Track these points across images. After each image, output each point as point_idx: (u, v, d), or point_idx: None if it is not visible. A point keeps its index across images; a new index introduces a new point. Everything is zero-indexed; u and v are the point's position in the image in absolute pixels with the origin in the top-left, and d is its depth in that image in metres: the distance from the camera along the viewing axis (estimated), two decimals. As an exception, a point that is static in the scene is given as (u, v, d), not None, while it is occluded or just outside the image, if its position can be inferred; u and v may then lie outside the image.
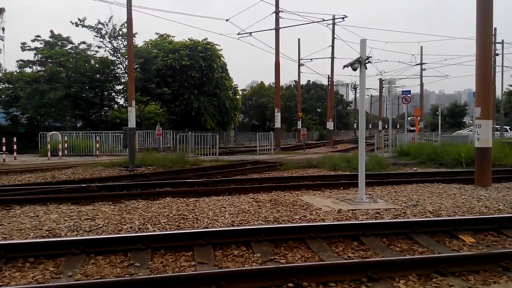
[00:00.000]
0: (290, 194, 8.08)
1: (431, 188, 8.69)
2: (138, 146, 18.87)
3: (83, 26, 24.36)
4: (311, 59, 39.61)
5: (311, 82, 65.85)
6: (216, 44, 31.98)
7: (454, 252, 4.63)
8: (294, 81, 59.92)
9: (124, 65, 24.52)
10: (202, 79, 30.23)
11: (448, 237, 5.15)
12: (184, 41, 31.33)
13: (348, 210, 6.46)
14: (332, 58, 34.14)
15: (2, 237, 5.01)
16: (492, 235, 5.29)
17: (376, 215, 6.17)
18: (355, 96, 66.08)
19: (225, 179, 10.57)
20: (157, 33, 32.72)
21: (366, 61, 7.40)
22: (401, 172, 11.84)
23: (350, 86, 66.90)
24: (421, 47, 41.62)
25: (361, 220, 5.75)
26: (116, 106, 29.10)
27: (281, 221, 5.77)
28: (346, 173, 11.45)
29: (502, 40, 35.65)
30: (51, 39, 26.45)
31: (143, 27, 33.36)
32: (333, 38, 33.28)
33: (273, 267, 3.86)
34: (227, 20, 23.58)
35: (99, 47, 25.71)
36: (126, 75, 23.82)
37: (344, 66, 7.73)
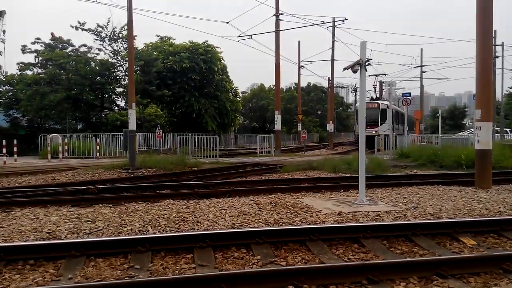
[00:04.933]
0: (290, 196, 8.08)
1: (431, 190, 8.68)
2: (139, 148, 18.90)
3: (83, 29, 24.46)
4: (311, 61, 39.55)
5: (311, 84, 65.94)
6: (216, 47, 32.09)
7: (454, 254, 4.62)
8: (295, 83, 60.04)
9: (125, 68, 24.59)
10: (202, 81, 30.29)
11: (449, 239, 5.14)
12: (184, 43, 31.42)
13: (348, 212, 6.45)
14: (332, 60, 34.22)
15: (2, 239, 5.00)
16: (492, 237, 5.28)
17: (377, 217, 6.16)
18: (355, 98, 66.07)
19: (226, 181, 10.57)
20: (158, 35, 32.85)
21: (366, 64, 7.41)
22: (402, 174, 11.83)
23: (350, 88, 66.91)
24: (421, 49, 41.68)
25: (362, 222, 5.74)
26: (116, 108, 29.17)
27: (281, 223, 5.76)
28: (347, 175, 11.43)
29: (502, 43, 35.69)
30: (51, 42, 26.54)
31: (143, 29, 33.51)
32: (333, 41, 33.39)
33: (273, 269, 3.86)
34: (227, 22, 23.62)
35: (99, 49, 25.82)
36: (126, 77, 23.90)
37: (345, 69, 7.74)
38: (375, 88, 34.90)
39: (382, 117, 29.29)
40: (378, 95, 34.45)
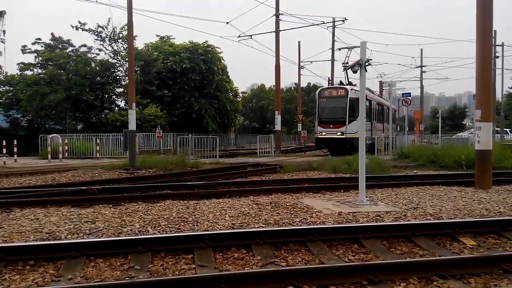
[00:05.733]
0: (290, 196, 8.07)
1: (431, 191, 8.68)
2: (139, 148, 18.91)
3: (83, 29, 24.48)
4: (311, 62, 39.56)
5: (312, 84, 65.86)
6: (216, 47, 32.11)
7: (454, 255, 4.62)
8: (295, 83, 59.99)
9: (125, 68, 24.61)
10: (202, 81, 30.31)
11: (449, 239, 5.14)
12: (184, 43, 31.44)
13: (348, 212, 6.45)
14: (332, 60, 34.21)
15: (2, 239, 5.00)
16: (492, 237, 5.28)
17: (377, 217, 6.16)
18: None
19: (226, 181, 10.56)
20: (158, 35, 32.87)
21: (366, 64, 7.42)
22: (402, 175, 11.83)
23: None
24: (421, 49, 41.70)
25: (362, 223, 5.74)
26: (116, 108, 29.18)
27: (281, 223, 5.76)
28: (347, 176, 11.44)
29: (502, 43, 35.70)
30: (51, 42, 26.55)
31: (143, 29, 33.56)
32: (333, 41, 33.38)
33: (273, 270, 3.86)
34: (227, 23, 23.62)
35: (99, 50, 25.84)
36: (126, 77, 23.91)
37: (345, 69, 7.74)
38: (345, 68, 25.42)
39: (351, 111, 19.94)
40: (347, 79, 22.23)
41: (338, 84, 22.40)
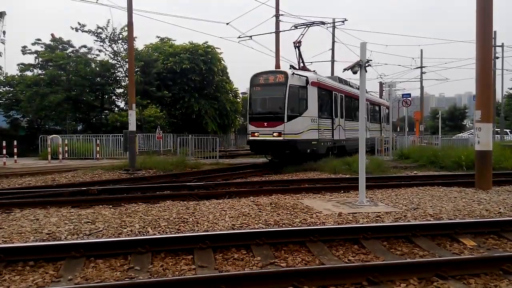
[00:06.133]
0: (290, 197, 8.07)
1: (431, 191, 8.67)
2: (139, 149, 18.90)
3: (83, 31, 24.48)
4: (311, 62, 39.35)
5: (311, 85, 65.68)
6: (216, 48, 32.06)
7: (455, 255, 4.62)
8: (294, 84, 59.79)
9: (125, 68, 24.59)
10: (202, 82, 30.28)
11: (449, 240, 5.14)
12: (184, 44, 31.41)
13: (348, 213, 6.45)
14: (332, 61, 34.17)
15: (2, 240, 5.00)
16: (493, 238, 5.28)
17: (377, 218, 6.15)
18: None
19: (226, 182, 10.57)
20: (158, 36, 32.86)
21: (366, 64, 7.41)
22: (402, 175, 11.83)
23: (350, 89, 66.65)
24: (421, 50, 41.64)
25: (362, 224, 5.73)
26: (116, 109, 29.16)
27: (281, 224, 5.76)
28: (347, 176, 11.44)
29: (502, 43, 35.68)
30: (51, 43, 26.55)
31: (143, 29, 33.58)
32: (333, 41, 33.35)
33: (273, 271, 3.85)
34: (227, 23, 23.60)
35: (99, 50, 25.82)
36: (126, 78, 23.90)
37: (345, 69, 7.74)
38: (298, 47, 17.63)
39: (292, 104, 14.29)
40: (302, 63, 17.53)
41: (290, 68, 16.38)
